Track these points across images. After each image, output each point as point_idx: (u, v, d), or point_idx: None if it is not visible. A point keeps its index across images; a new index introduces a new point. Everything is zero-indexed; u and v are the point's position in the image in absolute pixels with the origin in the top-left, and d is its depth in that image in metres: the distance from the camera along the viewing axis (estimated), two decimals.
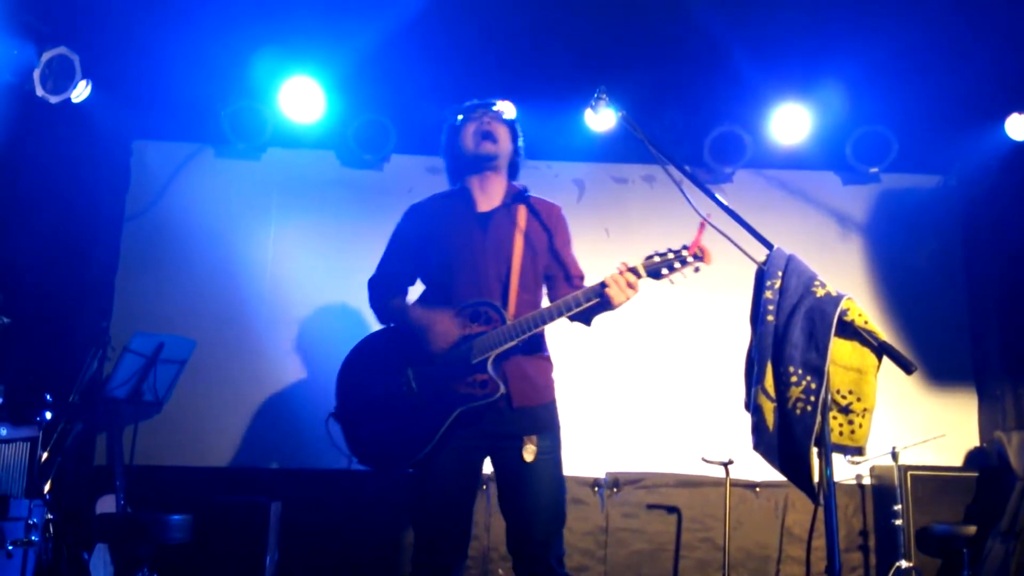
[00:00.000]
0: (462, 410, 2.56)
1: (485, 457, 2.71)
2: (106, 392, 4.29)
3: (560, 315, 2.59)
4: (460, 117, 2.90)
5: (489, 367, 2.57)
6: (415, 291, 2.96)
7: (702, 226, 2.36)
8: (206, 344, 4.73)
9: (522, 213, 2.81)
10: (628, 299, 2.56)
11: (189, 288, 5.03)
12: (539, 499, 2.62)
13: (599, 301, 2.57)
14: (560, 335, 2.99)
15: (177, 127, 5.17)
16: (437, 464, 2.61)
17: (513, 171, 2.93)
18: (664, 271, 2.52)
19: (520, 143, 2.92)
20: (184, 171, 5.22)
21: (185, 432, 4.84)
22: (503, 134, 2.84)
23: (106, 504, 4.19)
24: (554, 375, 2.82)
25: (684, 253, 2.49)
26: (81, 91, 4.43)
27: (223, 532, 4.23)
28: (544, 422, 2.69)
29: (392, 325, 2.83)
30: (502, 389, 2.55)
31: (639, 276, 2.54)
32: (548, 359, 2.81)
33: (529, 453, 2.60)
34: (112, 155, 5.12)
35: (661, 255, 2.53)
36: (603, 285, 2.54)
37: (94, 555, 4.05)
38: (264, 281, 5.11)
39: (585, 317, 2.75)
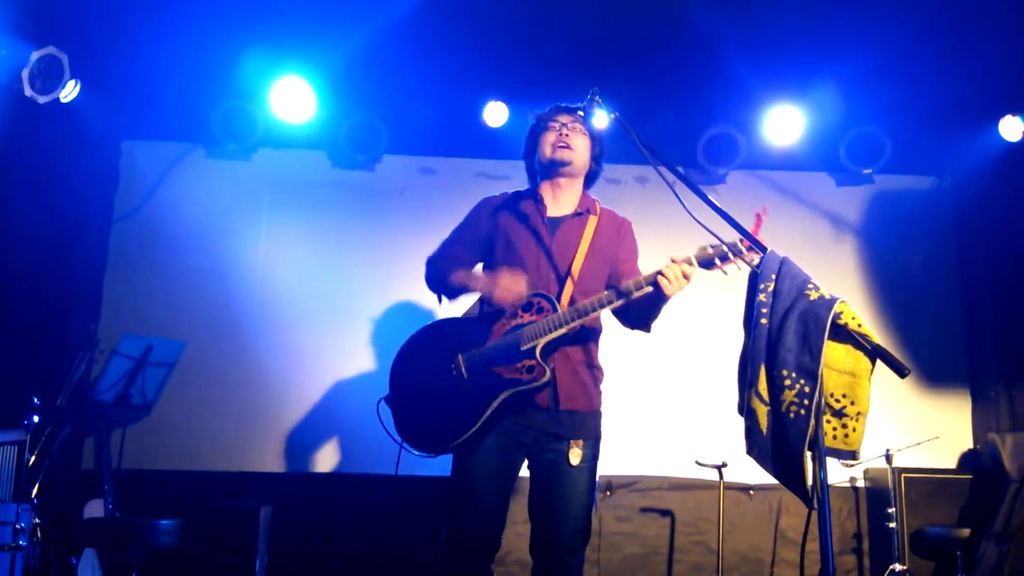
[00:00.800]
0: (509, 394, 2.57)
1: (524, 457, 2.73)
2: (94, 395, 4.25)
3: (611, 302, 2.59)
4: (541, 122, 2.90)
5: (538, 354, 2.58)
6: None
7: (759, 217, 2.36)
8: (196, 346, 4.70)
9: (591, 223, 2.84)
10: (680, 289, 2.55)
11: (179, 290, 4.99)
12: (572, 505, 2.65)
13: (652, 291, 2.56)
14: None
15: (167, 127, 5.14)
16: (479, 451, 2.63)
17: (589, 181, 2.96)
18: (717, 261, 2.51)
19: (600, 155, 2.93)
20: (174, 172, 5.18)
21: (174, 435, 4.81)
22: (581, 145, 2.86)
23: (94, 508, 4.15)
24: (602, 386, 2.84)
25: (739, 245, 2.46)
26: (70, 91, 4.40)
27: (213, 536, 4.22)
28: (590, 430, 2.72)
29: (446, 297, 2.86)
30: (548, 374, 2.57)
31: (692, 266, 2.54)
32: (600, 368, 2.83)
33: (575, 457, 2.65)
34: (101, 155, 5.09)
35: (714, 247, 2.51)
36: (657, 273, 2.54)
37: (82, 560, 4.02)
38: (255, 283, 5.08)
39: (641, 318, 2.77)
